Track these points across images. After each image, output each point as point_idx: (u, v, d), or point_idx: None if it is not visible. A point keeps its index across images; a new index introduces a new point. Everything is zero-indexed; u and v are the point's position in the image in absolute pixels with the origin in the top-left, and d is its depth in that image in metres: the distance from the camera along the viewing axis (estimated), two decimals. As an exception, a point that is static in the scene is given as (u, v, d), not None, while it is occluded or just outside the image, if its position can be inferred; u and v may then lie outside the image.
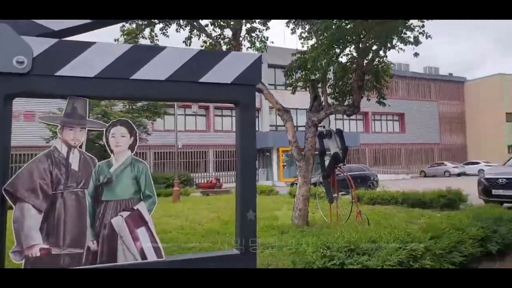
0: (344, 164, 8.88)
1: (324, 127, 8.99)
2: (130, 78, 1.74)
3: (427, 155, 43.40)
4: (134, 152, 1.86)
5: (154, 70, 1.76)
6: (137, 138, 1.89)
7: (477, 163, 37.19)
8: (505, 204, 10.05)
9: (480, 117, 44.30)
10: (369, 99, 9.26)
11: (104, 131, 1.83)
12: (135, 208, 1.87)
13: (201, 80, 1.80)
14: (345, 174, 8.83)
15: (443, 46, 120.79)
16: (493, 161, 36.98)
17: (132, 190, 1.85)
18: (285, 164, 31.51)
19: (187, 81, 1.79)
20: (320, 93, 8.75)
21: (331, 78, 8.98)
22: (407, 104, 42.55)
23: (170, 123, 31.45)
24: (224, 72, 1.84)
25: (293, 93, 9.45)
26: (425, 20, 7.46)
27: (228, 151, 32.67)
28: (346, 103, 8.93)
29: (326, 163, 8.98)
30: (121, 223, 1.82)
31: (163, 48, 1.81)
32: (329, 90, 9.09)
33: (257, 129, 34.19)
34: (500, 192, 9.73)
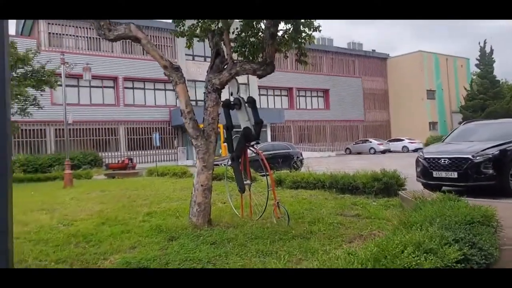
0: (258, 142, 6.73)
1: (231, 94, 6.76)
2: None
3: (352, 132, 43.37)
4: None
5: None
6: None
7: (401, 140, 37.72)
8: (444, 188, 8.65)
9: (403, 94, 45.04)
10: (287, 56, 7.13)
11: None
12: None
13: None
14: (259, 154, 6.70)
15: (364, 24, 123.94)
16: (416, 137, 37.78)
17: None
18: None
19: None
20: (223, 47, 6.45)
21: (237, 28, 6.68)
22: (331, 80, 41.86)
23: (73, 96, 27.54)
24: None
25: (188, 47, 7.06)
26: None
27: (142, 127, 29.45)
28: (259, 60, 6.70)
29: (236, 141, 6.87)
30: None
31: None
32: (234, 44, 6.80)
33: (175, 104, 31.38)
34: (442, 174, 8.22)
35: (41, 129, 26.11)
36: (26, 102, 18.08)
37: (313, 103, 41.46)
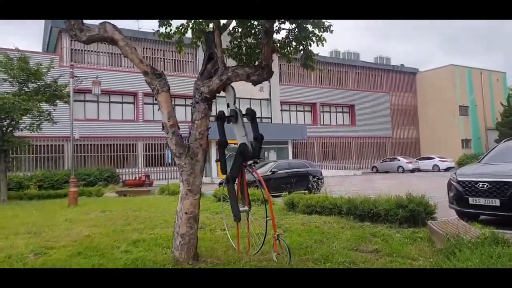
0: (257, 162, 5.68)
1: (228, 105, 5.77)
2: None
3: (379, 149, 41.55)
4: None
5: None
6: None
7: (431, 158, 35.68)
8: (483, 217, 7.32)
9: (433, 110, 42.97)
10: (290, 61, 6.09)
11: None
12: None
13: None
14: (255, 175, 5.65)
15: (392, 43, 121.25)
16: (447, 155, 35.70)
17: None
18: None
19: None
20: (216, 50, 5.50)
21: (235, 27, 5.72)
22: (357, 95, 40.41)
23: (92, 111, 27.40)
24: None
25: (179, 51, 6.16)
26: None
27: (161, 143, 28.87)
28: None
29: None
30: None
31: None
32: (225, 45, 5.82)
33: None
34: (481, 201, 6.88)
35: (59, 145, 25.89)
36: (41, 118, 17.62)
37: (338, 119, 40.07)
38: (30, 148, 22.68)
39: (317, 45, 5.51)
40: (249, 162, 5.62)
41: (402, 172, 33.56)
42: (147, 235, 7.32)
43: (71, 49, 27.12)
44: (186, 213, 5.26)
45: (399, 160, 35.56)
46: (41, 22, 31.26)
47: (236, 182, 5.86)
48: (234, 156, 5.76)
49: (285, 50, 5.65)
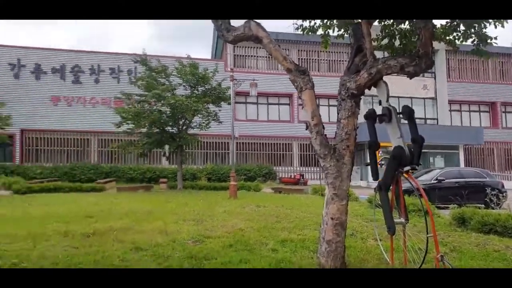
0: (415, 168, 4.93)
1: (380, 102, 5.17)
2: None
3: None
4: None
5: None
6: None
7: None
8: None
9: None
10: (457, 48, 5.05)
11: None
12: None
13: None
14: (413, 183, 4.92)
15: None
16: None
17: None
18: (382, 162, 26.27)
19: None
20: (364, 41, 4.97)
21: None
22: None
23: (252, 112, 29.13)
24: None
25: (325, 46, 5.80)
26: None
27: (314, 144, 29.00)
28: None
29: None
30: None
31: None
32: (375, 34, 5.16)
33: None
34: None
35: (225, 142, 28.23)
36: (209, 118, 19.58)
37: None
38: (201, 144, 25.38)
39: (495, 27, 4.44)
40: (405, 168, 4.90)
41: None
42: (295, 235, 7.29)
43: (234, 55, 29.36)
44: (332, 218, 4.91)
45: None
46: (213, 33, 34.25)
47: (391, 189, 5.22)
48: (388, 161, 5.12)
49: (451, 36, 4.72)
